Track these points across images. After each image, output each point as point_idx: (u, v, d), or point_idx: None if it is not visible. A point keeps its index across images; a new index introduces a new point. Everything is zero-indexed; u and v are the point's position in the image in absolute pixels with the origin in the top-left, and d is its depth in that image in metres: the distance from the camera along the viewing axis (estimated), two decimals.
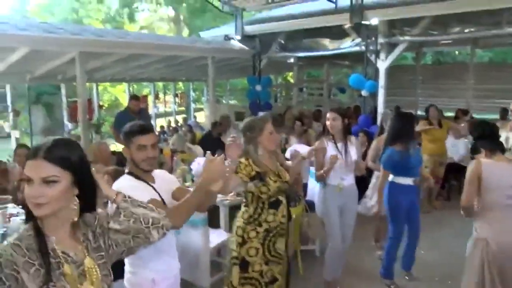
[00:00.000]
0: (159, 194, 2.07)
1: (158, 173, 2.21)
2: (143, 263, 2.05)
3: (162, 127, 12.54)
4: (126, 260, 2.10)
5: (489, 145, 2.67)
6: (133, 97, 6.64)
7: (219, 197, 4.02)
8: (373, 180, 4.61)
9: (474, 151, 2.80)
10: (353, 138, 3.63)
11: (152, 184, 2.09)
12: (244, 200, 2.76)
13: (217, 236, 3.82)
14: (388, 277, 3.76)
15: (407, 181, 3.63)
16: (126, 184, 2.01)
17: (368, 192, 4.68)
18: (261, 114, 2.87)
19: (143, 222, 1.41)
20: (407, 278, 3.85)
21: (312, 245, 4.38)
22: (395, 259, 3.78)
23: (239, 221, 2.70)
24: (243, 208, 2.74)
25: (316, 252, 4.39)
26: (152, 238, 1.44)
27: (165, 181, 2.20)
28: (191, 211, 1.88)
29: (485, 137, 2.72)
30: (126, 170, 2.13)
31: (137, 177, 2.07)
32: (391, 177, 3.67)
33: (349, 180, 3.49)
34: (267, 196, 2.63)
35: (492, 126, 2.80)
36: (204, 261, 3.59)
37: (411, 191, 3.67)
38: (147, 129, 2.08)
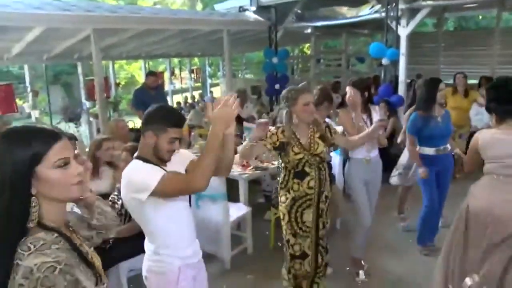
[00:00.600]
0: None
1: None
2: (169, 251, 1.96)
3: (178, 103, 12.54)
4: (147, 248, 2.02)
5: (500, 110, 2.51)
6: (150, 73, 6.62)
7: (238, 171, 4.02)
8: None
9: (488, 111, 2.65)
10: (376, 107, 3.53)
11: (163, 167, 1.95)
12: (280, 165, 2.90)
13: (236, 210, 3.82)
14: (422, 244, 3.81)
15: (429, 151, 3.57)
16: (137, 165, 1.90)
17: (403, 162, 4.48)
18: (301, 84, 2.86)
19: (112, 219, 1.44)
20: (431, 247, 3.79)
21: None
22: (431, 227, 3.76)
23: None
24: (280, 173, 2.91)
25: (336, 225, 4.36)
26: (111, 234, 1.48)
27: (176, 163, 2.03)
28: (210, 169, 1.80)
29: (499, 101, 2.50)
30: (136, 154, 1.99)
31: (147, 161, 1.92)
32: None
33: (375, 152, 3.40)
34: (291, 166, 2.73)
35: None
36: (225, 234, 3.61)
37: (436, 161, 3.58)
38: (183, 121, 1.99)
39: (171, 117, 1.92)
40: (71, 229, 1.25)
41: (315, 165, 2.73)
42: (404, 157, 4.25)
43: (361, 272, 3.46)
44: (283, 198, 2.80)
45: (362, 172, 3.33)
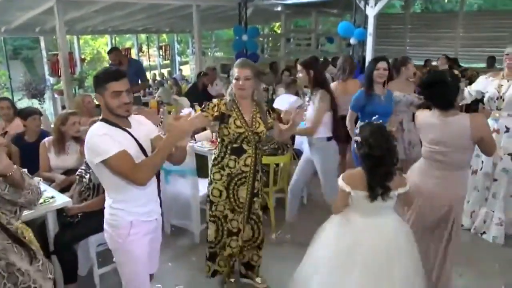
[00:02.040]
0: (136, 139, 2.07)
1: (135, 118, 2.18)
2: (123, 206, 2.07)
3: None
4: (106, 203, 2.13)
5: (435, 104, 2.50)
6: (109, 51, 6.22)
7: (207, 147, 4.05)
8: None
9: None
10: (320, 91, 3.32)
11: (128, 130, 2.07)
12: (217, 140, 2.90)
13: (206, 185, 3.85)
14: None
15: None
16: (100, 131, 2.00)
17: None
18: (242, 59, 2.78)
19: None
20: None
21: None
22: None
23: (209, 162, 2.92)
24: (214, 150, 2.90)
25: (304, 200, 4.48)
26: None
27: (142, 125, 2.18)
28: (156, 168, 2.02)
29: (435, 98, 2.49)
30: (100, 117, 2.09)
31: (112, 123, 2.04)
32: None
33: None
34: (228, 140, 2.69)
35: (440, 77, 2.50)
36: (194, 209, 3.66)
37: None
38: (121, 74, 2.03)
39: (106, 74, 2.03)
40: None
41: (253, 143, 2.71)
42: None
43: None
44: (217, 176, 2.77)
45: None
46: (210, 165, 2.85)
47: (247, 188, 2.77)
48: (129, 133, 2.07)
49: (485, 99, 3.70)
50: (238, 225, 2.84)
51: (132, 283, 2.20)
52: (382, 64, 3.58)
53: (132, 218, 2.07)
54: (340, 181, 2.28)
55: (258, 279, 3.06)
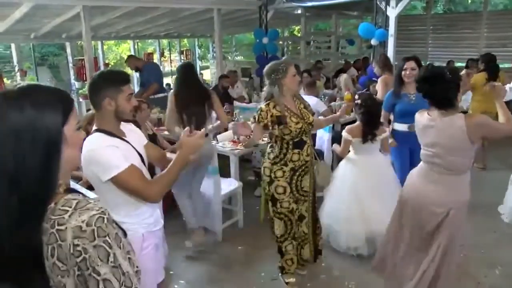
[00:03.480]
0: (136, 150, 1.97)
1: (126, 126, 2.05)
2: (134, 220, 1.95)
3: (168, 84, 12.49)
4: (115, 218, 2.03)
5: (434, 101, 2.36)
6: (126, 59, 6.65)
7: (229, 147, 4.10)
8: None
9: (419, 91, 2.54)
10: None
11: (126, 139, 1.95)
12: (268, 141, 2.94)
13: (228, 185, 3.91)
14: None
15: (402, 127, 3.55)
16: (104, 143, 1.83)
17: None
18: (283, 58, 2.98)
19: None
20: None
21: (320, 192, 4.45)
22: None
23: (265, 162, 2.89)
24: (268, 149, 2.91)
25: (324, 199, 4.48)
26: None
27: (134, 133, 2.07)
28: (170, 185, 1.92)
29: (433, 92, 2.33)
30: (94, 127, 1.93)
31: (110, 133, 1.89)
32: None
33: None
34: (290, 137, 2.77)
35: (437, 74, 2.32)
36: (216, 208, 3.71)
37: (408, 138, 3.45)
38: (129, 76, 1.98)
39: (119, 76, 1.93)
40: None
41: (309, 133, 2.87)
42: None
43: None
44: (279, 173, 2.81)
45: None
46: (267, 165, 2.85)
47: (310, 177, 2.90)
48: (128, 142, 1.95)
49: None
50: (302, 213, 2.95)
51: None
52: (409, 64, 3.53)
53: (143, 231, 1.98)
54: (345, 134, 3.42)
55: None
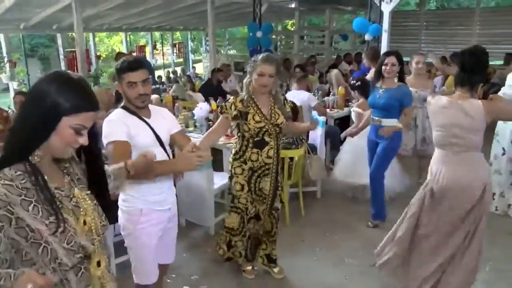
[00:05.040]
0: (152, 129, 2.08)
1: (157, 109, 2.20)
2: (136, 193, 2.08)
3: (160, 77, 12.41)
4: None
5: (457, 76, 2.48)
6: (116, 56, 6.52)
7: (222, 140, 4.07)
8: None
9: None
10: None
11: (147, 119, 2.09)
12: (234, 135, 2.90)
13: (220, 178, 3.89)
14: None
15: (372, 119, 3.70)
16: (115, 116, 2.05)
17: None
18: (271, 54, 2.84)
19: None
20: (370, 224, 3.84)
21: (314, 186, 4.47)
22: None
23: (230, 156, 2.85)
24: (234, 144, 2.87)
25: (317, 194, 4.49)
26: None
27: (164, 119, 2.20)
28: (142, 178, 1.87)
29: (461, 66, 2.46)
30: (121, 104, 2.13)
31: (130, 111, 2.08)
32: None
33: None
34: (249, 135, 2.67)
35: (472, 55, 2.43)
36: (208, 202, 3.69)
37: (373, 131, 3.72)
38: (137, 65, 2.03)
39: (123, 63, 2.05)
40: (64, 171, 1.28)
41: (274, 135, 2.69)
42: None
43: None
44: (238, 170, 2.75)
45: None
46: (230, 159, 2.82)
47: (271, 180, 2.77)
48: (147, 123, 2.08)
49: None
50: (258, 212, 2.88)
51: (139, 268, 2.24)
52: (390, 59, 3.50)
53: (143, 206, 2.09)
54: (357, 109, 4.28)
55: (275, 269, 3.09)
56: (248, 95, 2.67)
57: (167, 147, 2.17)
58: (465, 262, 2.50)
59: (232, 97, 2.77)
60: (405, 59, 3.80)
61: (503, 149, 3.87)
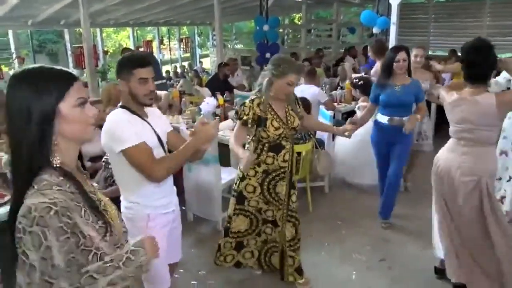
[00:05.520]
0: (154, 130, 2.03)
1: (150, 110, 2.13)
2: (139, 199, 2.02)
3: (168, 72, 12.42)
4: (122, 196, 2.08)
5: (465, 73, 2.47)
6: (122, 51, 6.52)
7: (230, 135, 4.07)
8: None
9: None
10: None
11: (147, 120, 2.03)
12: (248, 136, 2.71)
13: (228, 174, 3.89)
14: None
15: (383, 119, 3.54)
16: (122, 118, 1.94)
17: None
18: (298, 62, 2.81)
19: None
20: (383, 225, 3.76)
21: (321, 181, 4.46)
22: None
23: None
24: (246, 145, 2.71)
25: (325, 189, 4.47)
26: None
27: (159, 118, 2.15)
28: (176, 168, 1.95)
29: (466, 63, 2.45)
30: (120, 104, 2.03)
31: (132, 111, 1.98)
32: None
33: None
34: (267, 141, 2.57)
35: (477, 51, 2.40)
36: (216, 197, 3.69)
37: (387, 131, 3.54)
38: (148, 61, 2.00)
39: (133, 59, 1.99)
40: (85, 175, 1.26)
41: (290, 138, 2.62)
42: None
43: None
44: (251, 172, 2.62)
45: None
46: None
47: (286, 183, 2.66)
48: (148, 123, 2.02)
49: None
50: (274, 216, 2.75)
51: (152, 276, 2.14)
52: (401, 55, 3.40)
53: (150, 211, 1.99)
54: (363, 104, 4.26)
55: (301, 280, 2.90)
56: (266, 98, 2.54)
57: (166, 148, 2.12)
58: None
59: (247, 101, 2.61)
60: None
61: None
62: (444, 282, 2.85)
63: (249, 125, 2.57)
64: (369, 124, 3.78)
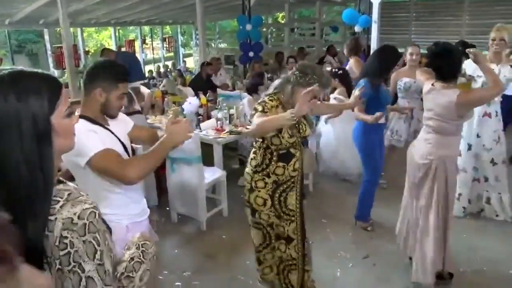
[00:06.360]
0: (117, 136, 1.92)
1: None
2: (116, 210, 1.88)
3: (150, 72, 12.30)
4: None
5: (441, 73, 2.62)
6: (102, 51, 6.49)
7: (213, 135, 4.05)
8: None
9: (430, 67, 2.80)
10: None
11: (108, 127, 1.91)
12: (254, 144, 2.54)
13: (211, 173, 3.87)
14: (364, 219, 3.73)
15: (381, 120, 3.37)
16: (80, 130, 1.79)
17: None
18: (324, 70, 2.78)
19: None
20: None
21: (306, 180, 4.46)
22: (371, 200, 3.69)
23: (247, 167, 2.54)
24: (251, 154, 2.54)
25: (309, 187, 4.48)
26: None
27: (119, 121, 2.01)
28: (149, 169, 1.79)
29: (442, 67, 2.60)
30: (80, 113, 1.85)
31: (92, 120, 1.85)
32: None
33: None
34: (276, 148, 2.38)
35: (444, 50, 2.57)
36: (200, 197, 3.67)
37: (381, 131, 3.61)
38: (128, 75, 1.91)
39: (119, 73, 1.88)
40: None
41: (299, 146, 2.45)
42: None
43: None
44: (260, 183, 2.45)
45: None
46: (249, 171, 2.50)
47: (296, 193, 2.49)
48: (110, 130, 1.91)
49: (478, 84, 3.50)
50: (286, 232, 2.52)
51: None
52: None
53: (127, 222, 1.90)
54: (338, 96, 4.33)
55: None
56: (288, 104, 2.36)
57: (130, 151, 2.02)
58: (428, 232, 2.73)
59: (267, 98, 2.39)
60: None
61: (468, 144, 3.68)
62: None
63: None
64: (349, 118, 3.82)
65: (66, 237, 0.94)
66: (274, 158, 2.40)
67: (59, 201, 0.98)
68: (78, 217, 0.95)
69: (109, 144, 1.80)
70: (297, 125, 2.41)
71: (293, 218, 2.50)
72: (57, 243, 0.94)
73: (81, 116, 1.83)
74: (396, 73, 4.20)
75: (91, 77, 1.85)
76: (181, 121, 1.80)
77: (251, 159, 2.51)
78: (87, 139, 1.73)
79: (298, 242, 2.55)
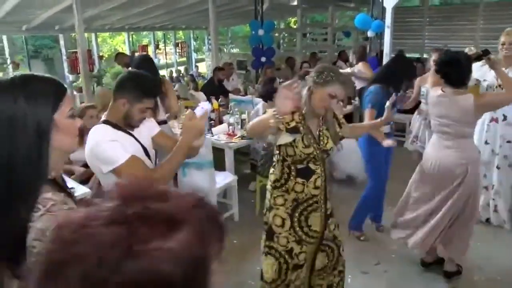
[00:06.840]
0: (140, 142, 1.98)
1: None
2: None
3: (163, 76, 12.39)
4: None
5: (450, 80, 2.67)
6: (116, 56, 6.68)
7: (225, 140, 4.06)
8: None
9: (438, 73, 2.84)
10: None
11: (132, 133, 1.97)
12: (273, 158, 2.37)
13: (223, 178, 3.88)
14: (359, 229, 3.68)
15: (385, 128, 3.26)
16: (104, 137, 1.86)
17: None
18: (342, 71, 2.73)
19: None
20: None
21: None
22: (374, 209, 3.66)
23: (268, 183, 2.38)
24: (271, 169, 2.37)
25: None
26: None
27: (143, 126, 2.04)
28: (173, 172, 1.90)
29: (451, 74, 2.65)
30: (103, 118, 1.95)
31: (117, 126, 1.91)
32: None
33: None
34: (292, 161, 2.20)
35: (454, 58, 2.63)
36: (211, 201, 3.66)
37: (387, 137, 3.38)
38: (158, 91, 2.03)
39: (148, 87, 1.93)
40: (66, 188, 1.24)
41: (321, 161, 2.23)
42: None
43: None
44: (279, 200, 2.27)
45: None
46: (268, 187, 2.35)
47: (321, 215, 2.28)
48: (134, 136, 1.97)
49: (482, 87, 3.55)
50: (306, 257, 2.34)
51: None
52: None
53: None
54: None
55: None
56: (306, 108, 2.21)
57: (152, 156, 2.07)
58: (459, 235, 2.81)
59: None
60: (408, 55, 3.76)
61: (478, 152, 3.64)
62: (435, 275, 2.86)
63: (282, 128, 2.13)
64: None
65: (34, 247, 0.97)
66: (293, 173, 2.22)
67: (40, 209, 1.00)
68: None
69: (130, 149, 1.86)
70: (316, 136, 2.23)
71: (313, 240, 2.31)
72: (30, 248, 0.97)
73: (104, 121, 1.93)
74: (420, 79, 4.18)
75: (121, 86, 1.93)
76: (197, 118, 1.88)
77: (271, 174, 2.36)
78: (108, 148, 1.82)
79: (309, 262, 2.38)
